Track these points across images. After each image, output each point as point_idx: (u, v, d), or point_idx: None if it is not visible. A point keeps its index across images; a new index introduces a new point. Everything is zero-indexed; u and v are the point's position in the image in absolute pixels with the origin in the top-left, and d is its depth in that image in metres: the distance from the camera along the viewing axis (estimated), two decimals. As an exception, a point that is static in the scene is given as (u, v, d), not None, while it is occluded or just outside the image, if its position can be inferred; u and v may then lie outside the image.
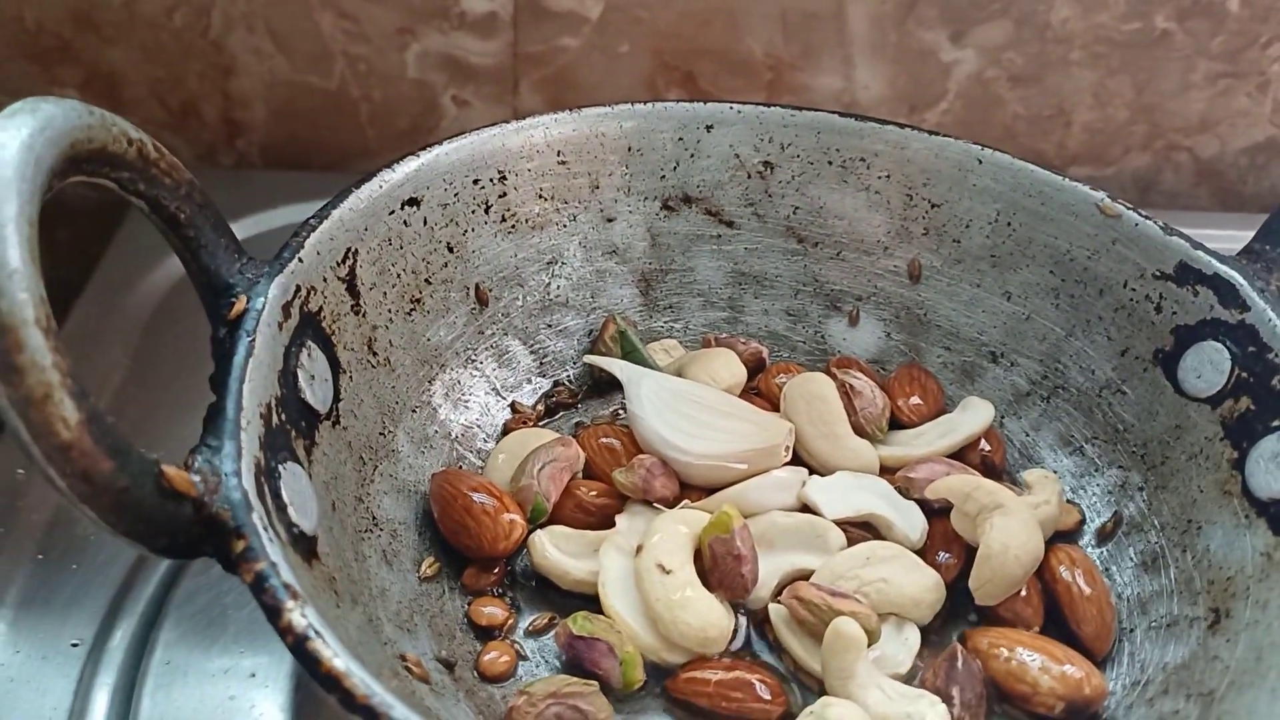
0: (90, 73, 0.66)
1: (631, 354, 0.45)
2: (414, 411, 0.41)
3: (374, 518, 0.37)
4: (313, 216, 0.38)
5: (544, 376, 0.45)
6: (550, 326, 0.46)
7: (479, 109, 0.68)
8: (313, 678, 0.25)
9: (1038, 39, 0.66)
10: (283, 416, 0.33)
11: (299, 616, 0.26)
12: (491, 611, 0.37)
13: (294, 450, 0.33)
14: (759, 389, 0.45)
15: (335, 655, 0.25)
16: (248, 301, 0.33)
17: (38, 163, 0.26)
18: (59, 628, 0.41)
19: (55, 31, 0.64)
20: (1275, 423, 0.36)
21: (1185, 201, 0.73)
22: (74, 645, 0.41)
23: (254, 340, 0.32)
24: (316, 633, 0.25)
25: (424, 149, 0.42)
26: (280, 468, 0.31)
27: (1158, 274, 0.41)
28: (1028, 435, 0.44)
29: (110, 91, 0.66)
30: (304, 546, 0.31)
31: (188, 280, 0.58)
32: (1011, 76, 0.67)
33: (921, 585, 0.37)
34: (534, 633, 0.37)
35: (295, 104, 0.67)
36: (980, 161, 0.45)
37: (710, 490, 0.39)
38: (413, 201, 0.41)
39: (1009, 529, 0.37)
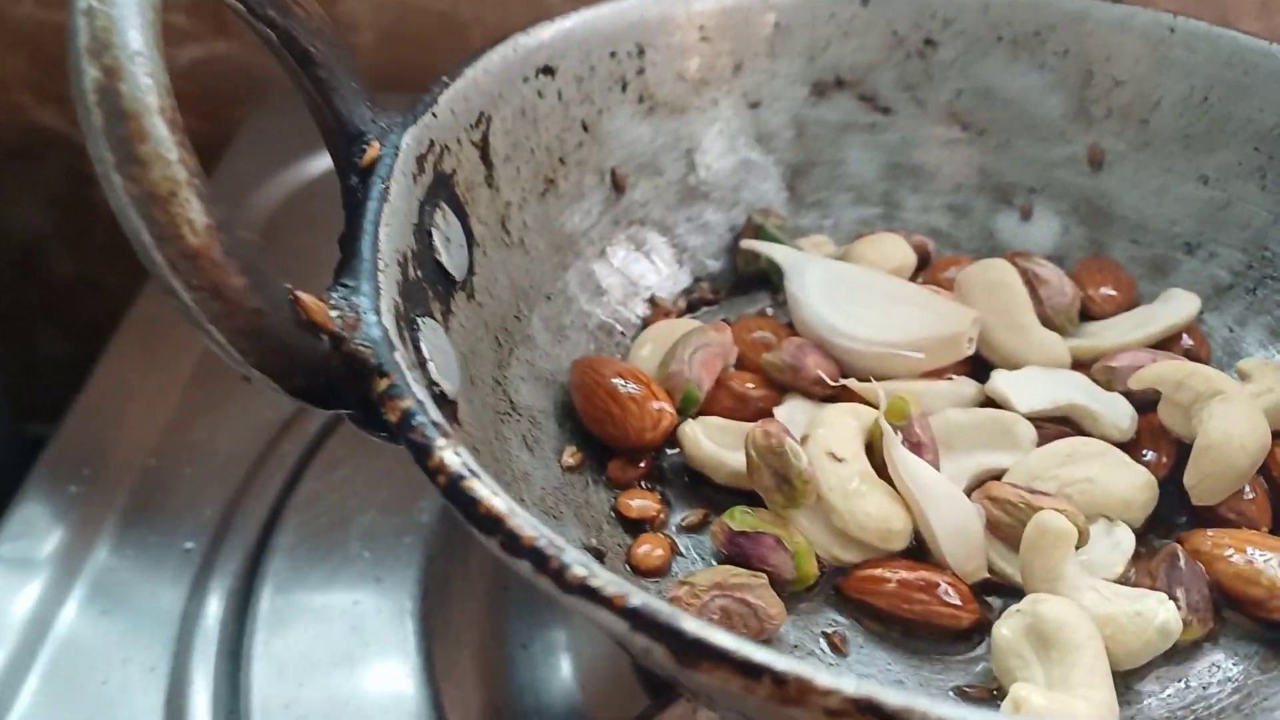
0: (197, -5, 0.64)
1: (773, 249, 0.41)
2: (548, 299, 0.37)
3: (512, 403, 0.34)
4: (444, 74, 0.35)
5: (684, 271, 0.42)
6: (690, 220, 0.42)
7: (596, 29, 0.64)
8: (469, 522, 0.21)
9: (1202, -60, 0.61)
10: (419, 274, 0.30)
11: (452, 455, 0.22)
12: (642, 504, 0.33)
13: (431, 311, 0.30)
14: (925, 283, 0.40)
15: (495, 494, 0.21)
16: (381, 149, 0.30)
17: (163, -51, 0.23)
18: (172, 531, 0.39)
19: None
20: None
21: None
22: (187, 549, 0.38)
23: (388, 187, 0.29)
24: (472, 471, 0.22)
25: (558, 16, 0.38)
26: (419, 320, 0.28)
27: (1388, 144, 0.36)
28: (1231, 331, 0.39)
29: (214, 13, 0.64)
30: (447, 410, 0.28)
31: (287, 210, 0.57)
32: (1171, -17, 0.62)
33: (1133, 484, 0.32)
34: (687, 529, 0.33)
35: (405, 26, 0.65)
36: (1173, 31, 0.40)
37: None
38: (547, 70, 0.38)
39: (1231, 416, 0.32)
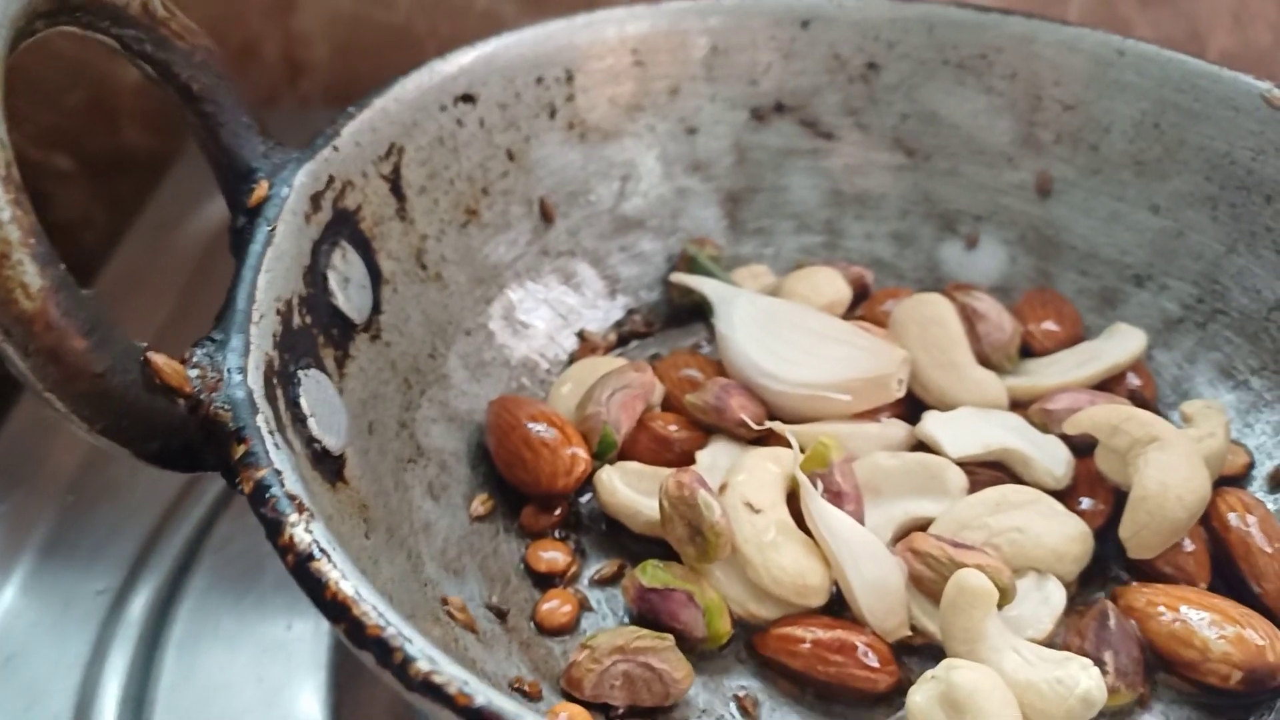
0: (147, 9, 0.62)
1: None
2: (468, 334, 0.36)
3: (419, 446, 0.32)
4: (352, 105, 0.33)
5: (615, 304, 0.40)
6: (624, 250, 0.40)
7: (553, 43, 0.63)
8: (317, 607, 0.20)
9: (1173, -49, 0.59)
10: (308, 319, 0.28)
11: (302, 532, 0.21)
12: (551, 556, 0.32)
13: (320, 359, 0.28)
14: (863, 317, 0.39)
15: (343, 578, 0.20)
16: (270, 188, 0.29)
17: (9, -10, 0.22)
18: (84, 573, 0.38)
19: (111, -36, 0.61)
20: None
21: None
22: (99, 592, 0.37)
23: (275, 229, 0.28)
24: (322, 551, 0.21)
25: (480, 41, 0.37)
26: (301, 374, 0.27)
27: (1341, 174, 0.34)
28: (1180, 368, 0.37)
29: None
30: (329, 466, 0.27)
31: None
32: (1142, -5, 0.61)
33: (1064, 535, 0.31)
34: (600, 582, 0.32)
35: (359, 40, 0.63)
36: (1122, 54, 0.38)
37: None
38: (467, 98, 0.36)
39: (1168, 465, 0.30)
